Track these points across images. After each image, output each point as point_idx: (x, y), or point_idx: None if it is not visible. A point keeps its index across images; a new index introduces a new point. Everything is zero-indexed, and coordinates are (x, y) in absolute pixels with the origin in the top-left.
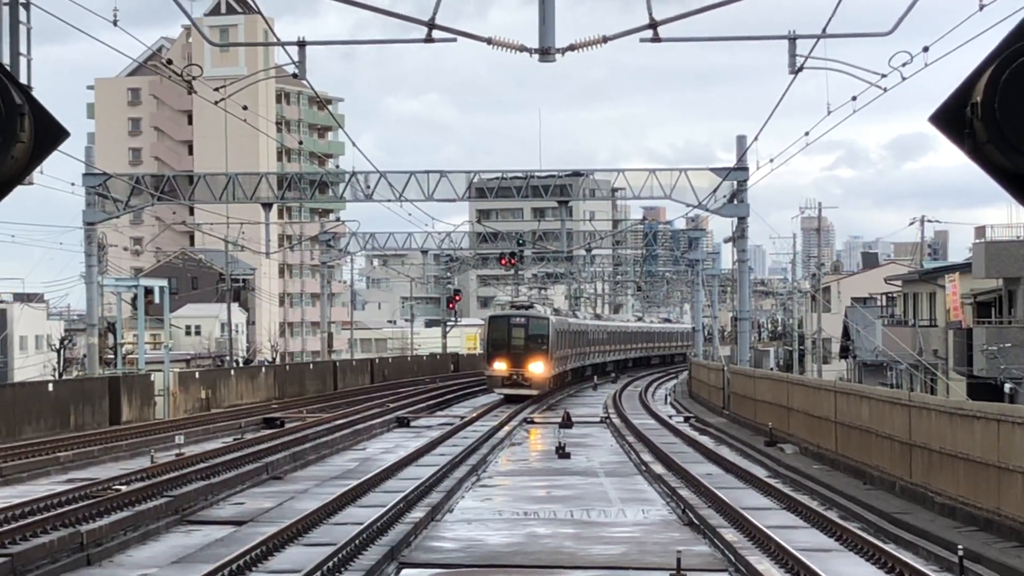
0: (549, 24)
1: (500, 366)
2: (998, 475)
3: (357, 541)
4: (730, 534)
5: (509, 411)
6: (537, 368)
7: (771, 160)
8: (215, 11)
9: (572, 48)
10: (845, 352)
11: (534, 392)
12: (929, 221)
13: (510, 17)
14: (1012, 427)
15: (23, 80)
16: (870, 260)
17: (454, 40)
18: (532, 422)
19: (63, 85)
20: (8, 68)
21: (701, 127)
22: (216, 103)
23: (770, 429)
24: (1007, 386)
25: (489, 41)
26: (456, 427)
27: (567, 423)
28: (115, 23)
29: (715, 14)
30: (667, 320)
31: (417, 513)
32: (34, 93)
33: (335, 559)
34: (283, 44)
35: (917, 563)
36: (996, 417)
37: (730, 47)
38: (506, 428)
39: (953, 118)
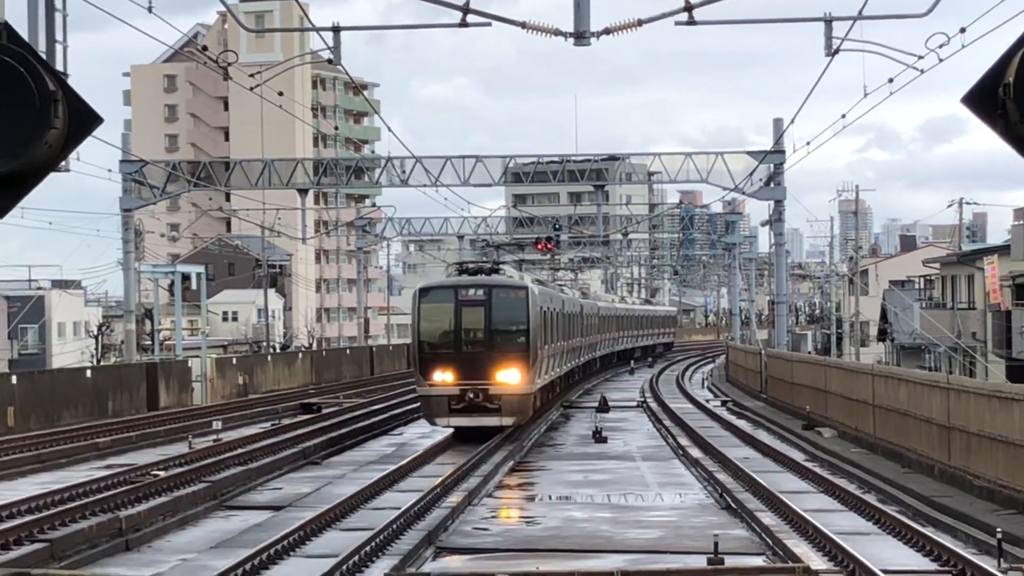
0: (584, 8)
1: (443, 377)
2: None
3: (395, 526)
4: (768, 518)
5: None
6: (511, 377)
7: (807, 143)
8: None
9: (607, 32)
10: (883, 335)
11: (507, 422)
12: (967, 203)
13: (540, 2)
14: None
15: (59, 68)
16: (908, 243)
17: (488, 24)
18: (570, 406)
19: (99, 73)
20: (43, 56)
21: (733, 111)
22: (252, 89)
23: (808, 413)
24: None
25: (524, 25)
26: None
27: (604, 407)
28: (150, 10)
29: None
30: (648, 302)
31: (454, 498)
32: (70, 81)
33: (372, 544)
34: (318, 29)
35: (956, 546)
36: None
37: (764, 29)
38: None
39: (985, 99)
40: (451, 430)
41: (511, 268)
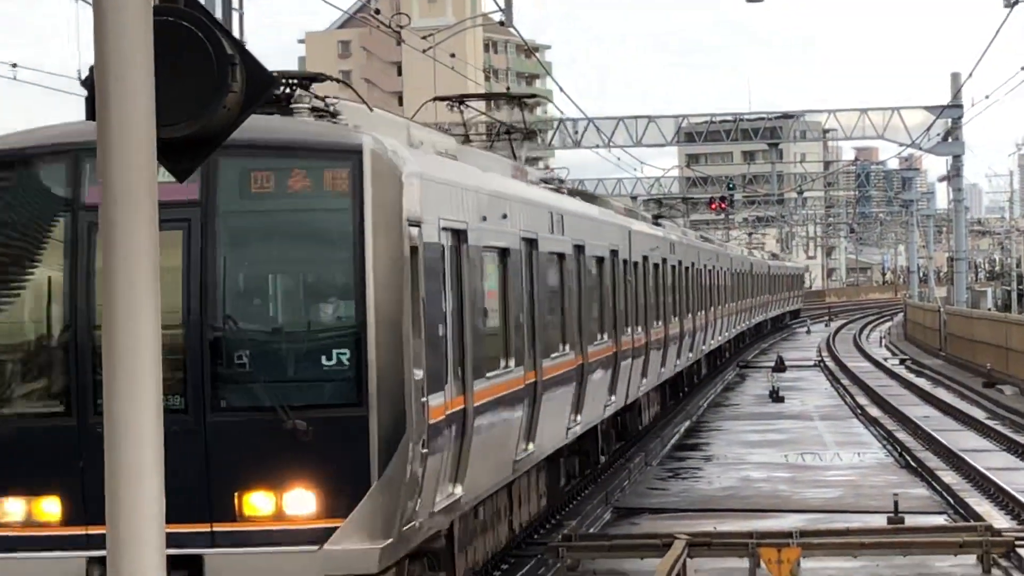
0: None
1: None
2: None
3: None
4: (949, 476)
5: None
6: (304, 507)
7: (987, 96)
8: None
9: None
10: None
11: None
12: None
13: None
14: None
15: (235, 34)
16: None
17: None
18: (746, 366)
19: (275, 40)
20: (220, 21)
21: (909, 65)
22: (424, 51)
23: (989, 370)
24: None
25: None
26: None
27: (780, 367)
28: None
29: None
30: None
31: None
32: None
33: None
34: None
35: None
36: None
37: None
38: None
39: None
40: None
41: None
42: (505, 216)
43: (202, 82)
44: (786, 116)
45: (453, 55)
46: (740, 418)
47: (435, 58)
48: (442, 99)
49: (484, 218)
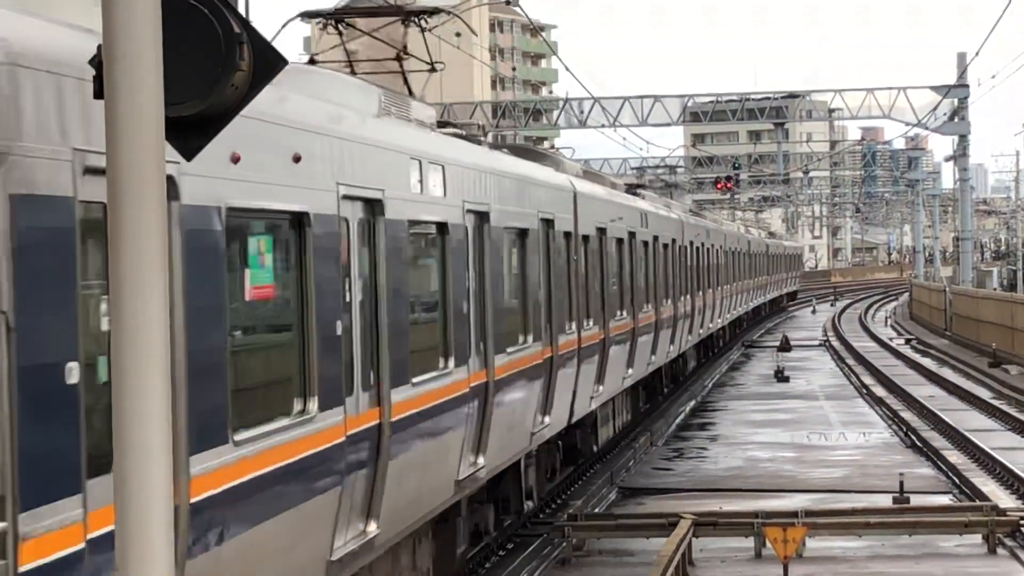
0: None
1: None
2: None
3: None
4: (954, 456)
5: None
6: None
7: (993, 76)
8: None
9: None
10: None
11: None
12: None
13: None
14: None
15: (241, 12)
16: None
17: None
18: (751, 345)
19: (280, 19)
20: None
21: (913, 45)
22: (424, 31)
23: (994, 350)
24: None
25: None
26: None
27: (786, 347)
28: None
29: None
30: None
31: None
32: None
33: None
34: None
35: None
36: None
37: None
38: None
39: None
40: None
41: None
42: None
43: (210, 61)
44: (792, 96)
45: (458, 34)
46: (745, 398)
47: (441, 37)
48: (311, 15)
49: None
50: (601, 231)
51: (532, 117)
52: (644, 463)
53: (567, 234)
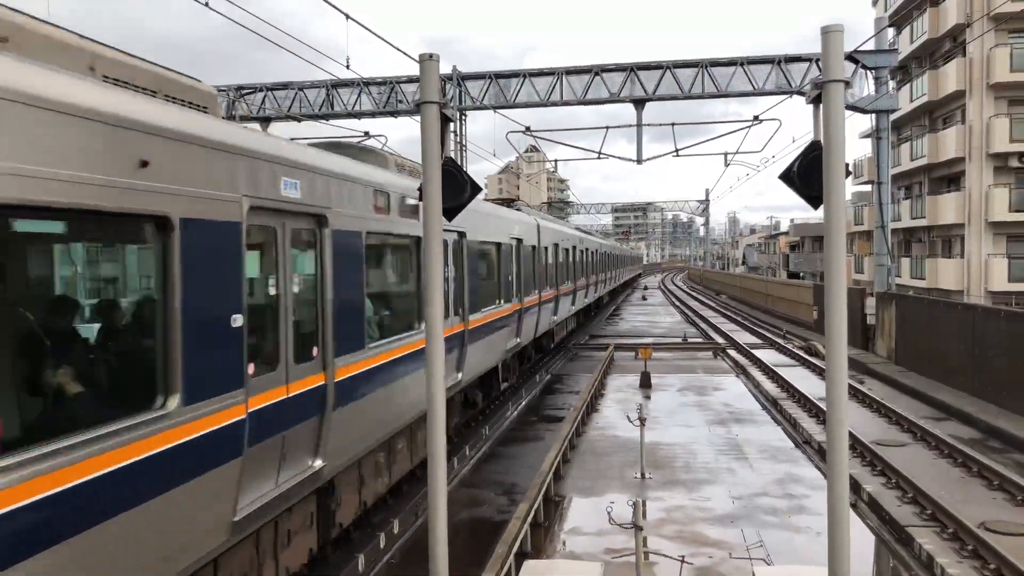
0: None
1: None
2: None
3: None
4: (704, 325)
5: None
6: None
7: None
8: None
9: None
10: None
11: None
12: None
13: None
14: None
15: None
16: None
17: None
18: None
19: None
20: (459, 164)
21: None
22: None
23: (717, 290)
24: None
25: None
26: None
27: (644, 297)
28: None
29: None
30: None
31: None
32: None
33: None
34: None
35: (774, 336)
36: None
37: None
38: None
39: (785, 176)
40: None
41: None
42: None
43: (456, 189)
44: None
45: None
46: (632, 304)
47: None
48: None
49: None
50: (518, 241)
51: None
52: (599, 327)
53: (521, 244)
